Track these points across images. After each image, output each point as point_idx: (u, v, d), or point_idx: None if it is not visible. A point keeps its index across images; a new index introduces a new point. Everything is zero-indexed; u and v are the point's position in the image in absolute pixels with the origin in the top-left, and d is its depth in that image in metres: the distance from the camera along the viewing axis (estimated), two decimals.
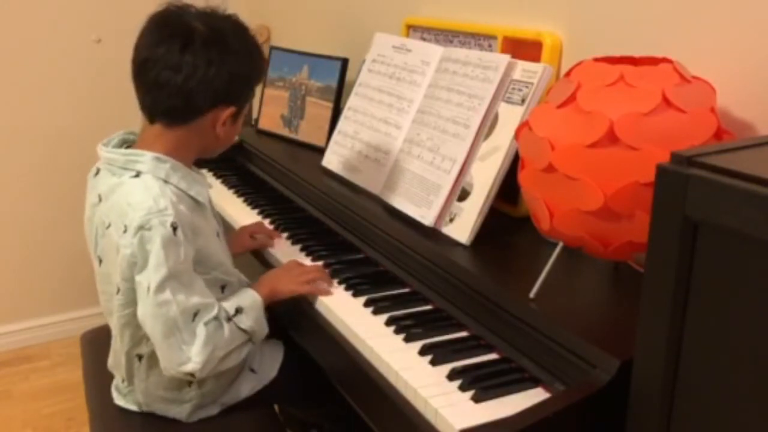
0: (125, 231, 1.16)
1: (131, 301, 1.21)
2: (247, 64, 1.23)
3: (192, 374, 1.19)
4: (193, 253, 1.20)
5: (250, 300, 1.27)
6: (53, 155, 2.58)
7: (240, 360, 1.28)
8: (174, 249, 1.15)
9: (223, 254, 1.33)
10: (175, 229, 1.15)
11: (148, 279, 1.15)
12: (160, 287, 1.15)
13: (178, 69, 1.17)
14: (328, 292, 1.32)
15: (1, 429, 2.28)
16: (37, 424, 2.30)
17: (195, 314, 1.18)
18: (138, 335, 1.26)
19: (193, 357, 1.17)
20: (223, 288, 1.30)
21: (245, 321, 1.24)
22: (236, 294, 1.29)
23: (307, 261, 1.44)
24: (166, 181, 1.20)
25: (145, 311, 1.17)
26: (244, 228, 1.61)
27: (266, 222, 1.67)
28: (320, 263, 1.42)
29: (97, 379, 1.51)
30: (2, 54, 2.45)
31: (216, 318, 1.20)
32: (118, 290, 1.22)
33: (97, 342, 1.60)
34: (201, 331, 1.18)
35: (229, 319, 1.22)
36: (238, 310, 1.24)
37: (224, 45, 1.19)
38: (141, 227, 1.14)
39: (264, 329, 1.30)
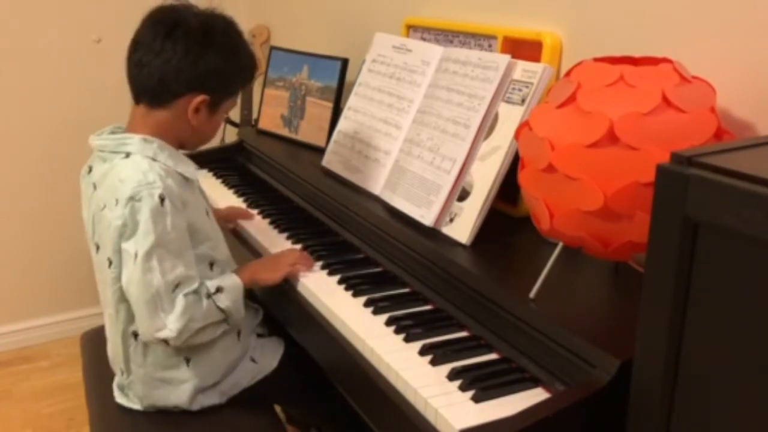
0: (117, 204, 1.23)
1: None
2: (227, 61, 1.29)
3: (167, 341, 1.25)
4: (184, 224, 1.26)
5: (231, 282, 1.33)
6: (53, 156, 2.58)
7: (215, 336, 1.33)
8: (161, 219, 1.22)
9: (212, 231, 1.38)
10: (162, 200, 1.22)
11: (136, 246, 1.22)
12: (148, 255, 1.21)
13: (158, 53, 1.26)
14: (307, 274, 1.38)
15: (1, 429, 2.27)
16: (37, 424, 2.29)
17: (177, 285, 1.24)
18: (132, 309, 1.29)
19: (170, 324, 1.23)
20: (211, 265, 1.36)
21: (224, 300, 1.29)
22: (221, 276, 1.34)
23: None
24: (154, 159, 1.27)
25: (130, 277, 1.23)
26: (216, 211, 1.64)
27: (266, 222, 1.67)
28: (320, 263, 1.42)
29: (97, 378, 1.51)
30: (2, 54, 2.45)
31: (196, 292, 1.26)
32: (111, 263, 1.27)
33: (97, 342, 1.60)
34: (180, 301, 1.24)
35: (209, 296, 1.28)
36: (219, 290, 1.30)
37: (207, 39, 1.27)
38: (131, 198, 1.22)
39: (240, 313, 1.34)
